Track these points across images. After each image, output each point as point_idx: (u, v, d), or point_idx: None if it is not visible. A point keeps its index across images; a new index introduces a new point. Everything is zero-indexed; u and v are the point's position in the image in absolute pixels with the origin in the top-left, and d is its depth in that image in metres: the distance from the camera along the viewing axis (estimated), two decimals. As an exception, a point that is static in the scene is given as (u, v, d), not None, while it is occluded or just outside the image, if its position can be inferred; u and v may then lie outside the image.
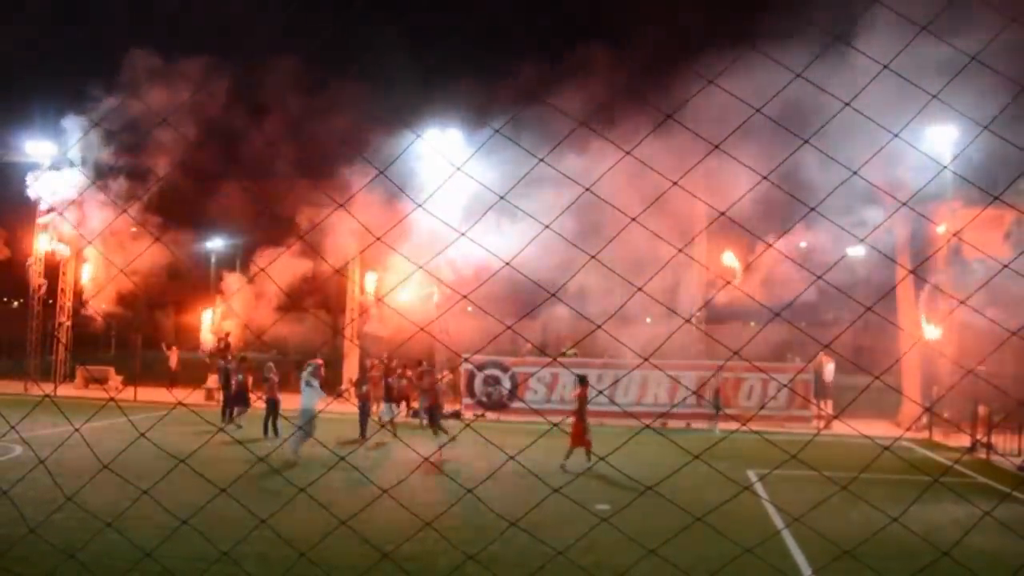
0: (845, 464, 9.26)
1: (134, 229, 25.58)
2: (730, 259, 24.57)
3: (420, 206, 21.91)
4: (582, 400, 15.43)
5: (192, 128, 24.41)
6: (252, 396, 19.85)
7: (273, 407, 18.44)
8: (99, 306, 27.54)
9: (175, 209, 26.57)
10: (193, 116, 24.75)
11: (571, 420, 15.33)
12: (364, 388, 19.56)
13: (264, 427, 18.35)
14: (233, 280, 29.18)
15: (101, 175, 25.61)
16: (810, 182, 14.33)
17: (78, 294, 29.17)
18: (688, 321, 21.93)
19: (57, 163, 26.59)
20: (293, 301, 23.08)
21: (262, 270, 23.80)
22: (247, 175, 26.86)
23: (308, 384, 15.39)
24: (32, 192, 27.29)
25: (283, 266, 24.29)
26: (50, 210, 27.14)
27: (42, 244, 28.33)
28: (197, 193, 26.19)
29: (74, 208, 26.03)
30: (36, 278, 28.71)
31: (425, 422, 20.39)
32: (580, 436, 14.96)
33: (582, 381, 15.98)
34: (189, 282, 28.66)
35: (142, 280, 25.37)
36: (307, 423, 14.89)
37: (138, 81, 24.96)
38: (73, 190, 26.26)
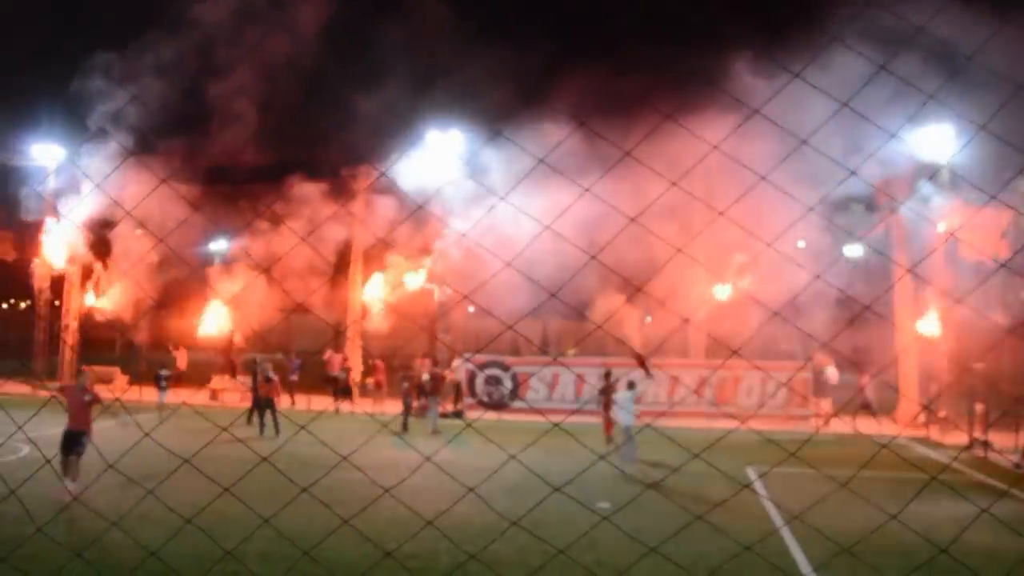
0: (844, 462, 9.32)
1: (138, 231, 25.52)
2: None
3: (421, 206, 21.98)
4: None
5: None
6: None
7: (271, 406, 18.88)
8: (107, 310, 27.50)
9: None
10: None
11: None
12: (405, 385, 21.32)
13: (260, 426, 18.85)
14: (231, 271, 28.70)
15: (131, 140, 25.28)
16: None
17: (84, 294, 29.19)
18: (687, 321, 21.80)
19: (91, 134, 26.08)
20: (298, 301, 23.06)
21: (265, 271, 23.81)
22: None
23: (627, 404, 15.77)
24: (38, 194, 27.27)
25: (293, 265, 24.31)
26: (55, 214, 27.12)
27: (48, 245, 28.37)
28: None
29: (79, 208, 25.94)
30: (41, 280, 28.78)
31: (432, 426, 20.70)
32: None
33: (607, 375, 17.93)
34: (193, 281, 28.52)
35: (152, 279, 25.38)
36: (631, 438, 15.52)
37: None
38: (79, 192, 26.20)
